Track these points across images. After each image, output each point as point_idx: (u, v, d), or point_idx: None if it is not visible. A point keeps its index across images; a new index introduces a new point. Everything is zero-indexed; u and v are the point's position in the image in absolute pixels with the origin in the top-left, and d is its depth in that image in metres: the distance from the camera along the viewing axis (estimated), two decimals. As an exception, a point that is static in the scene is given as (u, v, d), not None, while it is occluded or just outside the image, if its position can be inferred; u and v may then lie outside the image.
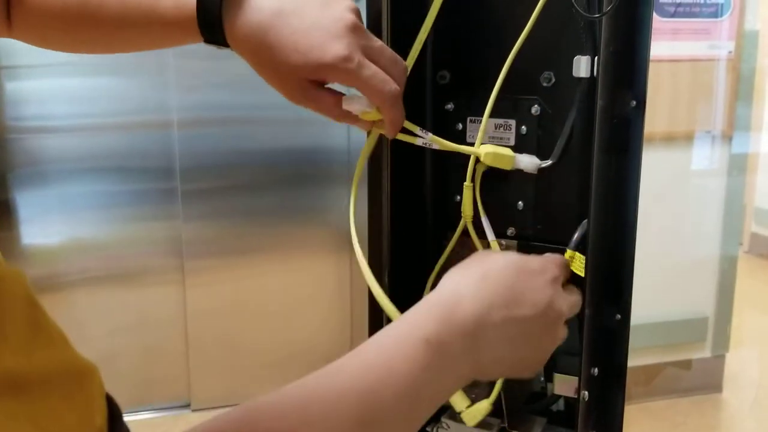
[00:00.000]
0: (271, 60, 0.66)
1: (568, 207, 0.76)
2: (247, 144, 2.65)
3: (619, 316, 0.75)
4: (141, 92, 2.55)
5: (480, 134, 0.78)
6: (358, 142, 2.63)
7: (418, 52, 0.75)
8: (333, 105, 0.70)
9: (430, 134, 0.75)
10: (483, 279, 0.61)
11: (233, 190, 2.68)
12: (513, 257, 0.65)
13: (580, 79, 0.72)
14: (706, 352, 2.73)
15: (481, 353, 0.58)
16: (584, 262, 0.71)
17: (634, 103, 0.71)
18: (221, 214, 2.69)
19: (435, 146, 0.76)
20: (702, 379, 2.75)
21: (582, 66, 0.71)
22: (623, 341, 0.75)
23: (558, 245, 0.76)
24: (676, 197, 2.62)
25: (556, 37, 0.75)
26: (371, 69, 0.66)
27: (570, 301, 0.66)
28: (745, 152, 2.72)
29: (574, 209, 0.76)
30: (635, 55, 0.70)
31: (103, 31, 0.73)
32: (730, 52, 2.54)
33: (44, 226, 2.61)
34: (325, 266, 2.76)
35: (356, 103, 0.69)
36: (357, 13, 0.68)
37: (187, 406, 2.70)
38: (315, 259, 2.77)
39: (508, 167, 0.75)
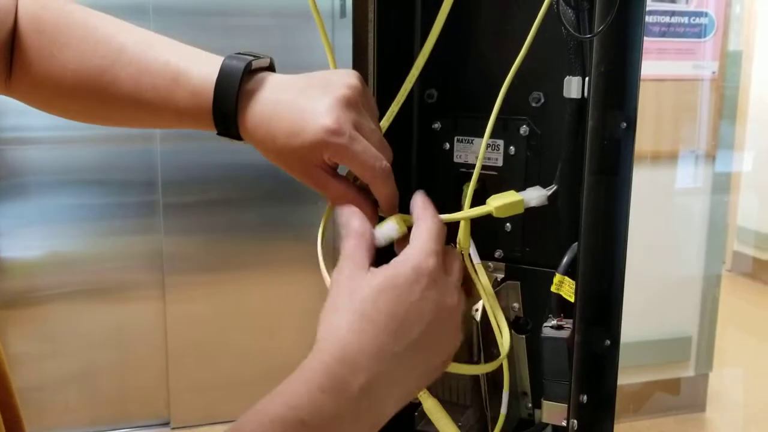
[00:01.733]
0: (274, 146, 0.66)
1: (557, 229, 0.75)
2: (230, 158, 2.63)
3: (608, 342, 0.73)
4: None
5: (479, 161, 0.76)
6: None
7: (415, 78, 0.73)
8: (342, 191, 0.68)
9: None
10: (361, 318, 0.56)
11: (215, 204, 2.66)
12: (378, 278, 0.58)
13: (571, 99, 0.70)
14: (689, 371, 2.73)
15: (379, 393, 0.56)
16: (574, 287, 0.69)
17: (625, 124, 0.70)
18: (202, 229, 2.67)
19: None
20: (686, 399, 2.75)
21: (573, 87, 0.69)
22: (613, 367, 0.74)
23: (546, 268, 0.75)
24: (660, 216, 2.62)
25: (546, 58, 0.74)
26: (362, 144, 0.63)
27: (453, 285, 0.61)
28: (729, 171, 2.73)
29: (562, 231, 0.75)
30: (626, 76, 0.69)
31: (115, 109, 0.71)
32: (713, 72, 2.56)
33: (23, 238, 2.57)
34: (307, 282, 2.74)
35: (386, 229, 0.67)
36: (356, 89, 0.65)
37: (166, 424, 2.66)
38: (296, 274, 2.75)
39: (520, 211, 0.72)
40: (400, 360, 0.56)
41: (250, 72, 0.66)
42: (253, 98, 0.66)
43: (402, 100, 0.75)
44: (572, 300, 0.69)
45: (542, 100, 0.75)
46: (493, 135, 0.77)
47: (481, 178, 0.78)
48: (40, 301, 2.56)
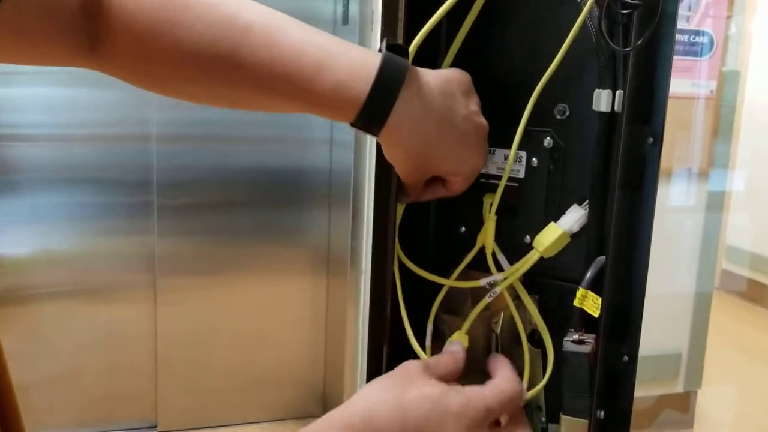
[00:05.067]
0: (407, 157, 0.68)
1: (576, 242, 0.75)
2: (227, 161, 2.62)
3: (626, 358, 0.73)
4: (121, 105, 2.51)
5: (506, 172, 0.76)
6: (340, 162, 2.61)
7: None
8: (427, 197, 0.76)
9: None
10: (397, 409, 0.61)
11: (210, 207, 2.65)
12: (435, 390, 0.63)
13: (600, 113, 0.70)
14: (678, 388, 2.74)
15: None
16: (597, 302, 0.69)
17: (651, 140, 0.70)
18: (197, 232, 2.65)
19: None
20: (673, 415, 2.76)
21: (602, 100, 0.69)
22: (630, 383, 0.74)
23: (566, 281, 0.75)
24: (654, 233, 2.63)
25: (573, 70, 0.74)
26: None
27: None
28: (723, 190, 2.75)
29: (582, 244, 0.75)
30: (655, 91, 0.69)
31: (242, 95, 0.66)
32: (711, 91, 2.57)
33: (14, 236, 2.55)
34: (301, 288, 2.73)
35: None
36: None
37: (153, 427, 2.64)
38: (290, 280, 2.74)
39: (566, 242, 0.74)
40: None
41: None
42: (405, 102, 0.64)
43: None
44: (596, 315, 0.69)
45: (567, 113, 0.75)
46: (518, 146, 0.77)
47: (503, 190, 0.78)
48: (29, 300, 2.54)
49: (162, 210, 2.58)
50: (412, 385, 0.63)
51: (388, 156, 0.68)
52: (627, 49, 0.64)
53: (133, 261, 2.63)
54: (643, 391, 2.68)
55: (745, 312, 4.13)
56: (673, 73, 2.24)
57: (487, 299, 0.77)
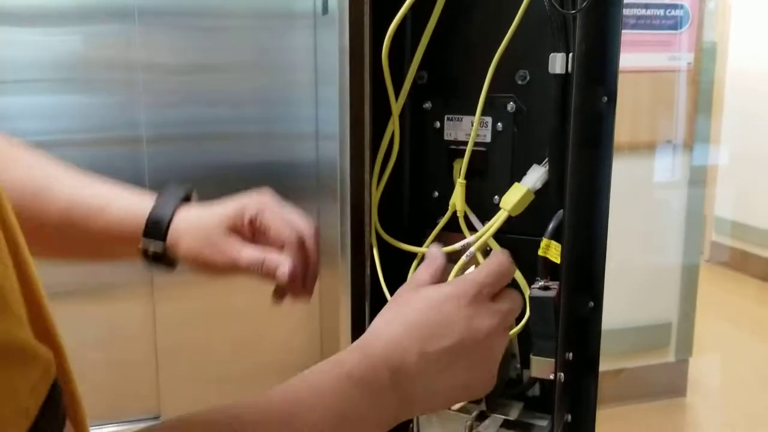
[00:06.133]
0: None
1: (542, 199, 0.79)
2: (216, 159, 2.66)
3: (592, 304, 0.78)
4: (110, 109, 2.54)
5: (472, 139, 0.81)
6: (326, 155, 2.66)
7: (417, 65, 0.79)
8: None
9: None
10: (394, 321, 0.64)
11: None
12: (426, 293, 0.66)
13: (556, 75, 0.75)
14: (670, 357, 2.79)
15: (406, 389, 0.61)
16: (559, 250, 0.74)
17: (606, 98, 0.75)
18: (190, 227, 2.69)
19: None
20: (666, 384, 2.81)
21: (557, 63, 0.74)
22: (596, 328, 0.79)
23: (533, 236, 0.79)
24: (639, 207, 2.68)
25: (531, 37, 0.78)
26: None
27: (494, 311, 0.66)
28: (704, 163, 2.80)
29: (548, 201, 0.79)
30: (607, 52, 0.73)
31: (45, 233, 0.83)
32: (689, 63, 2.62)
33: (11, 239, 2.58)
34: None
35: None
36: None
37: (156, 418, 2.68)
38: (284, 271, 2.78)
39: (531, 199, 0.79)
40: (422, 366, 0.62)
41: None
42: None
43: (408, 87, 0.81)
44: (558, 261, 0.73)
45: (528, 78, 0.80)
46: (482, 112, 0.82)
47: (471, 154, 0.82)
48: (29, 301, 2.58)
49: (155, 207, 2.63)
50: (407, 296, 0.67)
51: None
52: (572, 12, 0.69)
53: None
54: (635, 361, 2.74)
55: (735, 282, 4.19)
56: (649, 47, 2.27)
57: (464, 259, 0.81)
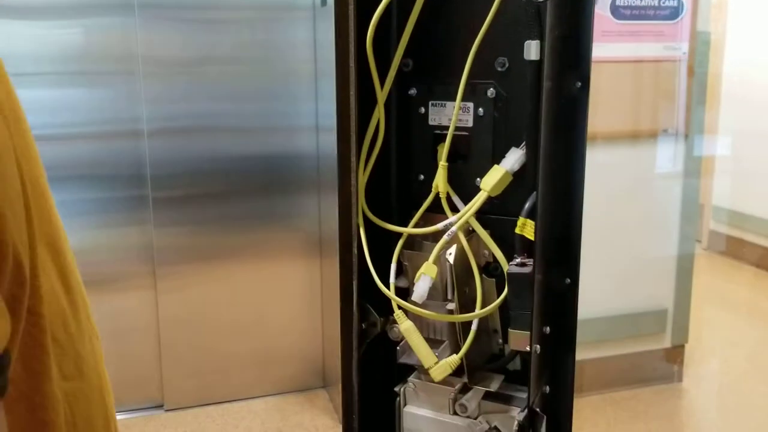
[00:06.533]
0: None
1: (521, 181, 0.83)
2: (217, 152, 2.69)
3: (568, 280, 0.81)
4: (111, 103, 2.58)
5: (452, 123, 0.84)
6: (326, 148, 2.69)
7: (402, 52, 0.83)
8: None
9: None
10: None
11: (204, 197, 2.72)
12: None
13: (531, 62, 0.78)
14: (666, 343, 2.82)
15: None
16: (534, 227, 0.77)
17: (579, 84, 0.78)
18: (192, 221, 2.73)
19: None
20: (663, 370, 2.84)
21: (532, 50, 0.77)
22: (573, 303, 0.82)
23: (513, 216, 0.83)
24: (637, 195, 2.71)
25: (509, 25, 0.82)
26: None
27: None
28: (700, 153, 2.82)
29: (526, 182, 0.83)
30: (579, 38, 0.77)
31: None
32: (684, 53, 2.64)
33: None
34: (296, 270, 2.80)
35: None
36: None
37: (160, 406, 2.73)
38: (285, 262, 2.82)
39: (510, 179, 0.82)
40: None
41: None
42: None
43: (394, 75, 0.85)
44: (533, 239, 0.77)
45: (507, 65, 0.83)
46: (464, 98, 0.85)
47: (454, 139, 0.86)
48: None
49: (157, 202, 2.66)
50: None
51: None
52: (540, 1, 0.72)
53: (133, 252, 2.71)
54: (632, 347, 2.77)
55: (733, 270, 4.21)
56: (644, 37, 2.28)
57: (446, 238, 0.85)
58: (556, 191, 0.77)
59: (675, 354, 2.86)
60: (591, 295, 2.65)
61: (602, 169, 2.64)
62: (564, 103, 0.77)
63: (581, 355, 2.64)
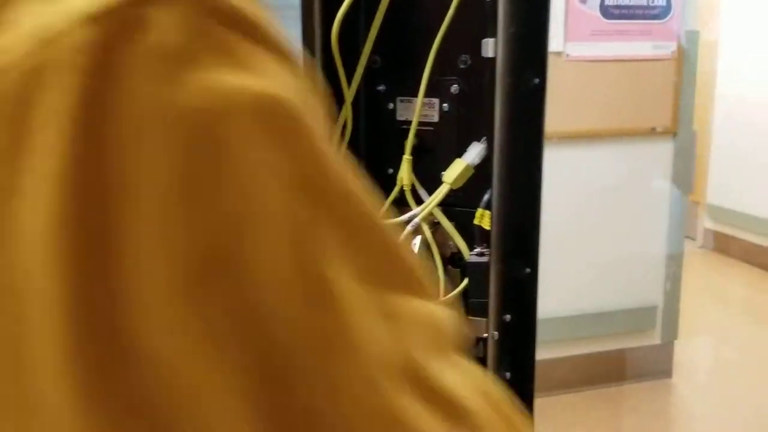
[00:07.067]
0: None
1: (484, 174, 0.86)
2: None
3: (528, 270, 0.84)
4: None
5: (415, 118, 0.87)
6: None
7: (370, 50, 0.86)
8: None
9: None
10: None
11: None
12: None
13: (488, 59, 0.81)
14: (655, 339, 2.84)
15: None
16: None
17: (537, 80, 0.81)
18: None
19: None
20: (653, 365, 2.86)
21: (489, 47, 0.80)
22: (533, 293, 0.85)
23: (475, 208, 0.86)
24: (627, 192, 2.73)
25: (471, 24, 0.84)
26: None
27: None
28: (692, 149, 2.84)
29: (487, 176, 0.85)
30: (535, 35, 0.79)
31: None
32: (672, 51, 2.67)
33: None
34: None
35: None
36: None
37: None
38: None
39: (471, 173, 0.85)
40: None
41: None
42: None
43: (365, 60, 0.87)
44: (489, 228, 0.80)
45: (469, 62, 0.86)
46: (429, 94, 0.88)
47: (421, 133, 0.89)
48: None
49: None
50: None
51: None
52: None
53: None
54: (622, 343, 2.79)
55: (726, 266, 4.23)
56: (632, 36, 2.31)
57: (409, 228, 0.88)
58: (512, 183, 0.80)
59: (665, 351, 2.89)
60: (581, 291, 2.69)
61: (591, 168, 2.67)
62: (521, 98, 0.80)
63: (572, 351, 2.66)
